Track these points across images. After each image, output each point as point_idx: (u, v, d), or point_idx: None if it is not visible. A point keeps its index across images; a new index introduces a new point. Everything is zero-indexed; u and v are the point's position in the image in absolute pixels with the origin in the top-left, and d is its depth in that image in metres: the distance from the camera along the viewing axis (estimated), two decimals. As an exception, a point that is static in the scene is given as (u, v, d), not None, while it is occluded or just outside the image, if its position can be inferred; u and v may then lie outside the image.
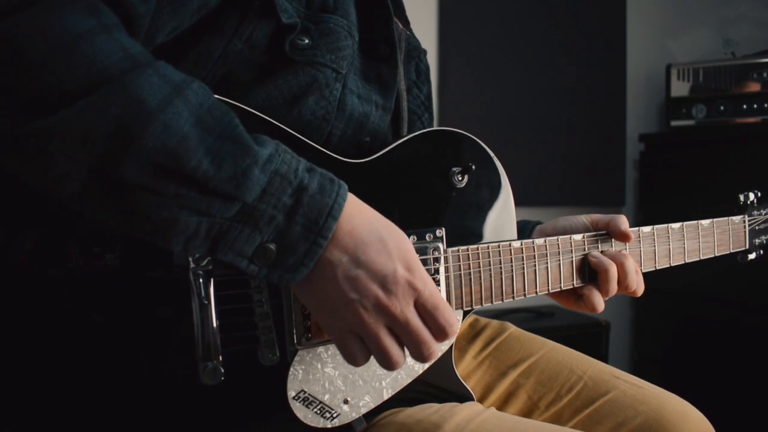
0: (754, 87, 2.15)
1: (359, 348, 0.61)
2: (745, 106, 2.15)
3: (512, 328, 1.02)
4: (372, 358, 0.62)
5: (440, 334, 0.62)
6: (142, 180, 0.51)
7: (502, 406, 0.93)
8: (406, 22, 1.00)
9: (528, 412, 0.91)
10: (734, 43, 2.31)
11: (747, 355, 2.00)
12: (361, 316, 0.59)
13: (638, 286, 0.88)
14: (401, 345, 0.62)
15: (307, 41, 0.72)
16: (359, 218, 0.60)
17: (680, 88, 2.26)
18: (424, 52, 1.07)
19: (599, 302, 0.87)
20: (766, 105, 2.12)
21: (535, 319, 2.09)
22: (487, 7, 2.24)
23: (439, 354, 0.65)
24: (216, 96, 0.58)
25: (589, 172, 2.39)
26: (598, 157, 2.43)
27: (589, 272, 0.88)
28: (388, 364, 0.61)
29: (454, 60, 2.19)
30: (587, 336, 2.05)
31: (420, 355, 0.62)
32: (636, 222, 2.53)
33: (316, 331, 0.68)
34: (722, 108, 2.19)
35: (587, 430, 0.86)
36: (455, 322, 0.63)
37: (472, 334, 1.02)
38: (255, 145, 0.55)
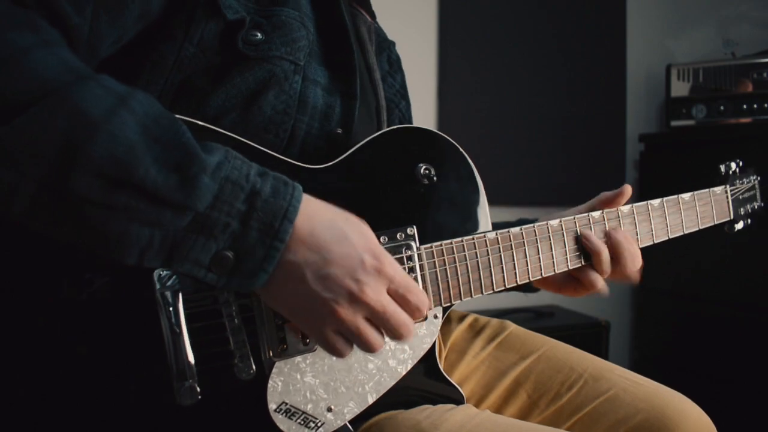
0: (755, 87, 2.15)
1: (342, 342, 0.62)
2: (745, 106, 2.15)
3: (512, 327, 1.02)
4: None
5: (415, 313, 0.64)
6: (91, 192, 0.50)
7: (502, 405, 0.93)
8: (372, 15, 1.01)
9: (528, 411, 0.91)
10: (734, 43, 2.31)
11: (747, 354, 2.00)
12: (338, 313, 0.59)
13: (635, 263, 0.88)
14: (379, 329, 0.62)
15: (259, 36, 0.72)
16: (318, 217, 0.60)
17: (680, 88, 2.26)
18: (393, 43, 1.10)
19: (597, 280, 0.87)
20: (766, 105, 2.12)
21: (535, 319, 2.09)
22: (487, 7, 2.24)
23: (413, 335, 0.66)
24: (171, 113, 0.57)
25: (589, 172, 2.39)
26: (598, 157, 2.43)
27: (578, 255, 0.87)
28: (369, 350, 0.63)
29: (454, 60, 2.19)
30: (587, 336, 2.05)
31: (399, 336, 0.63)
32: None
33: (291, 340, 0.68)
34: (722, 108, 2.19)
35: (588, 428, 0.86)
36: (427, 299, 0.65)
37: (472, 334, 1.02)
38: (203, 152, 0.55)
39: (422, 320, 0.76)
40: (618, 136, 2.50)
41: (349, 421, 0.72)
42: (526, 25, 2.30)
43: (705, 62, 2.24)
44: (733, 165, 1.10)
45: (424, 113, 2.13)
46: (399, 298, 0.62)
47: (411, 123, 1.07)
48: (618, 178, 2.49)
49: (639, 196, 2.50)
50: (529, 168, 2.28)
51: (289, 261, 0.58)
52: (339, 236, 0.60)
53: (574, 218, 0.87)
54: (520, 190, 2.22)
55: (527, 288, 0.96)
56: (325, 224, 0.60)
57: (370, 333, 0.61)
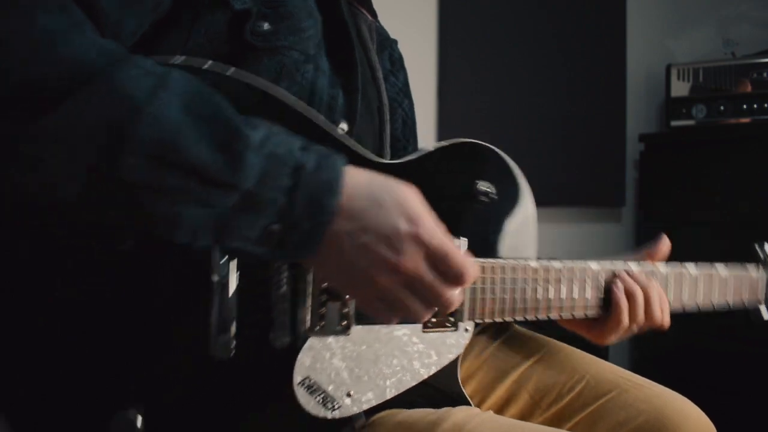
0: (755, 87, 2.15)
1: (387, 312, 0.62)
2: (745, 106, 2.15)
3: (514, 327, 1.02)
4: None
5: (456, 280, 0.61)
6: (140, 175, 0.51)
7: (503, 405, 0.93)
8: (373, 14, 1.01)
9: (529, 412, 0.91)
10: (734, 43, 2.31)
11: (747, 354, 2.00)
12: (377, 282, 0.59)
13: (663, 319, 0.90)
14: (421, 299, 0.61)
15: (267, 26, 0.72)
16: (357, 187, 0.59)
17: (680, 88, 2.26)
18: (395, 41, 1.10)
19: (610, 335, 0.88)
20: (766, 105, 2.12)
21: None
22: (487, 7, 2.24)
23: (458, 305, 0.64)
24: (234, 68, 0.59)
25: (589, 172, 2.39)
26: (598, 157, 2.43)
27: (606, 304, 0.88)
28: (413, 320, 0.63)
29: (454, 60, 2.18)
30: (587, 336, 2.05)
31: (440, 308, 0.62)
32: (636, 222, 2.54)
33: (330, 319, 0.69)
34: (722, 108, 2.19)
35: (589, 430, 0.86)
36: (469, 265, 0.61)
37: (474, 334, 1.01)
38: (247, 128, 0.54)
39: (453, 329, 0.77)
40: (618, 136, 2.50)
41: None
42: (526, 25, 2.30)
43: (705, 62, 2.24)
44: None
45: (424, 113, 2.12)
46: (437, 263, 0.60)
47: (414, 122, 1.07)
48: (618, 178, 2.49)
49: (639, 196, 2.50)
50: (529, 168, 2.26)
51: (332, 231, 0.57)
52: (374, 202, 0.59)
53: (612, 263, 0.88)
54: (520, 190, 2.22)
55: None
56: (362, 191, 0.59)
57: (412, 302, 0.60)
